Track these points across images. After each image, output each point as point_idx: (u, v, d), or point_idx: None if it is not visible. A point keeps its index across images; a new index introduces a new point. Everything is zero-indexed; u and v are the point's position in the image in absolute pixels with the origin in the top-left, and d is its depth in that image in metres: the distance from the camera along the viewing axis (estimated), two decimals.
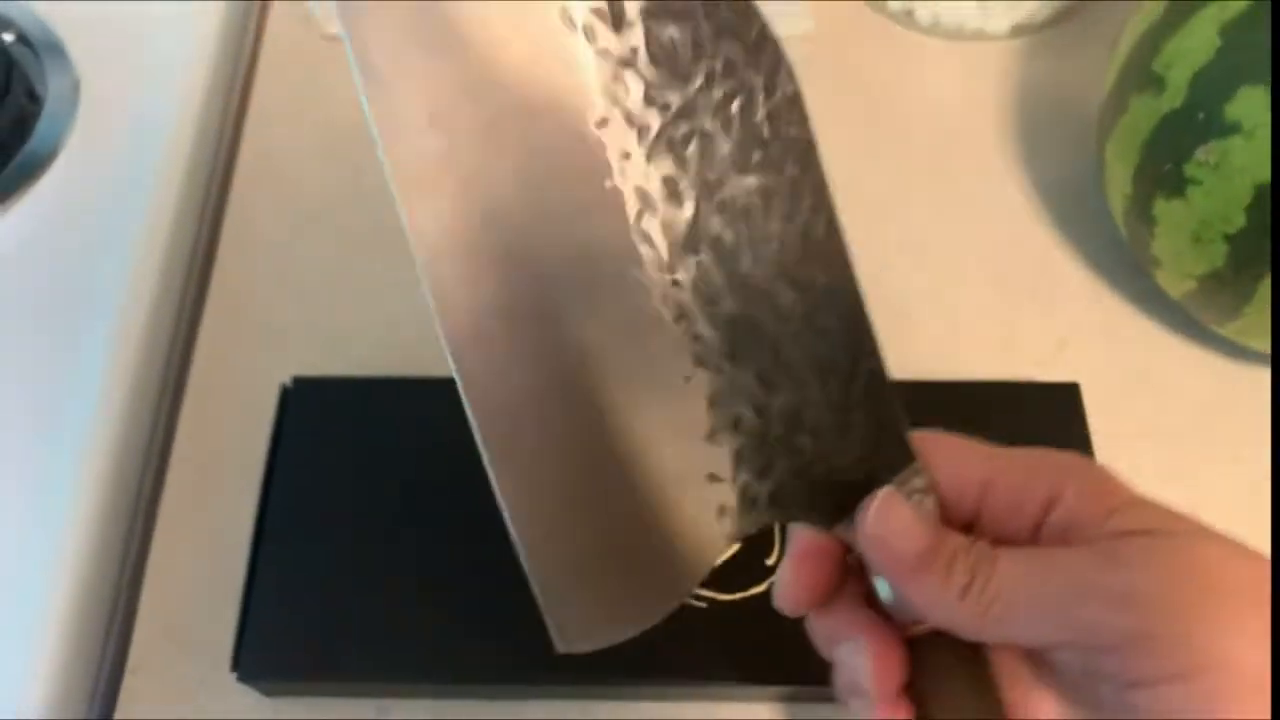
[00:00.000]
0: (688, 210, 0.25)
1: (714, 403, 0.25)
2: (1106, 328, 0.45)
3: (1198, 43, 0.36)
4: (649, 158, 0.24)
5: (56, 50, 0.49)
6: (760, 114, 0.25)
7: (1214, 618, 0.23)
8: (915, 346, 0.44)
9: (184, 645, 0.38)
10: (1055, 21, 0.53)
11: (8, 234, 0.45)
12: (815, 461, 0.26)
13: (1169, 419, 0.43)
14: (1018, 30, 0.53)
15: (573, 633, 0.25)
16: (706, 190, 0.25)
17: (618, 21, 0.24)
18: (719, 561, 0.26)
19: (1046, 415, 0.40)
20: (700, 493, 0.25)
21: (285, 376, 0.40)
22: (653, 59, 0.24)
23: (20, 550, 0.38)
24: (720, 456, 0.25)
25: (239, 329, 0.45)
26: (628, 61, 0.24)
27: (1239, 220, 0.36)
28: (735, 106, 0.24)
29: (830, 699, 0.37)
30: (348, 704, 0.37)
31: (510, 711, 0.37)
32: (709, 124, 0.24)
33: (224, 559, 0.39)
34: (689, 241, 0.25)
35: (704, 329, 0.25)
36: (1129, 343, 0.44)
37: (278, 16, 0.55)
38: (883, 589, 0.26)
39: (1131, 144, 0.39)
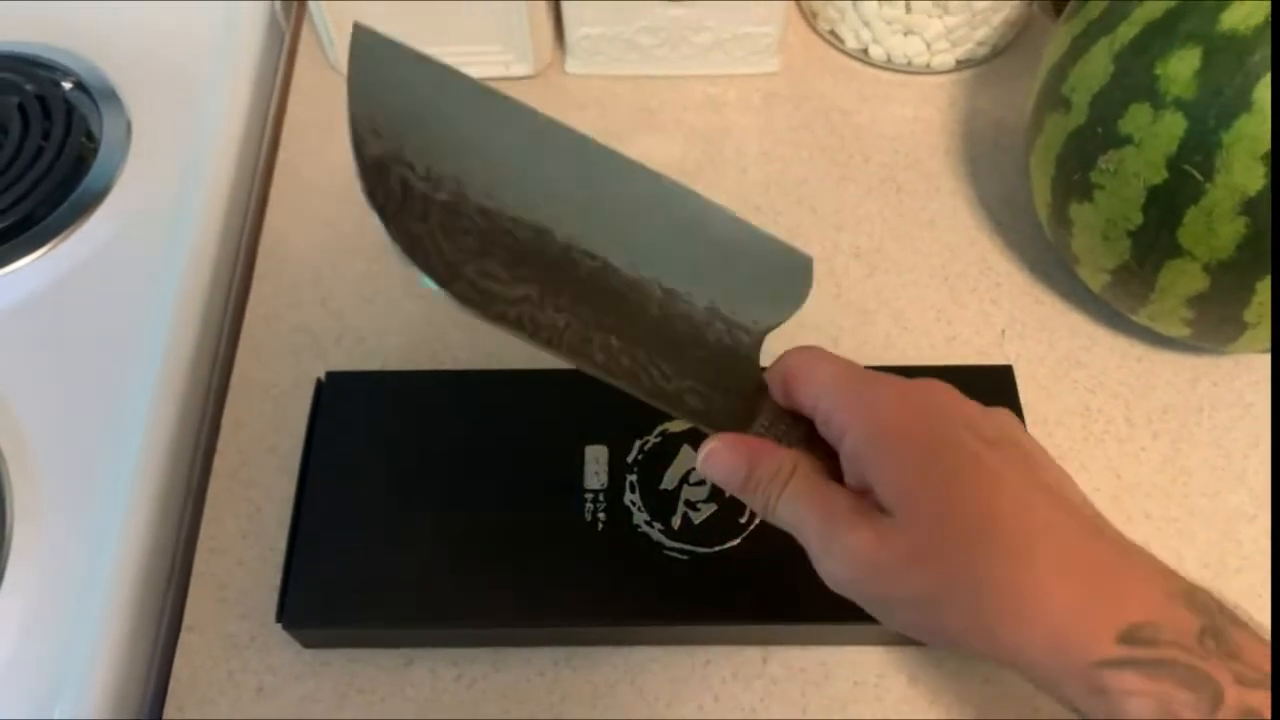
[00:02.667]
0: None
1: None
2: (1039, 320, 0.51)
3: (1096, 68, 0.42)
4: None
5: (111, 96, 0.55)
6: None
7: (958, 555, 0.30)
8: (872, 339, 0.51)
9: (233, 606, 0.43)
10: (993, 56, 0.60)
11: (68, 259, 0.50)
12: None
13: (1094, 398, 0.48)
14: (961, 65, 0.59)
15: None
16: None
17: None
18: None
19: (983, 394, 0.45)
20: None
21: (319, 374, 0.46)
22: None
23: (92, 528, 0.43)
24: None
25: (277, 335, 0.51)
26: None
27: (1137, 218, 0.42)
28: None
29: (800, 640, 0.42)
30: (378, 655, 0.42)
31: (519, 659, 0.42)
32: None
33: (265, 533, 0.45)
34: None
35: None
36: (1059, 332, 0.50)
37: (303, 61, 0.61)
38: None
39: (1048, 157, 0.45)
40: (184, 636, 0.43)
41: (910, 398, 0.32)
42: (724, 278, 0.36)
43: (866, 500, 0.31)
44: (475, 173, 0.32)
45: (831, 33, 0.60)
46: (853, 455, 0.32)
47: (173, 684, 0.42)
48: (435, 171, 0.32)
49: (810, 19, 0.61)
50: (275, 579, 0.41)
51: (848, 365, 0.33)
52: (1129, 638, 0.27)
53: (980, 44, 0.58)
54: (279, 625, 0.40)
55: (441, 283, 0.31)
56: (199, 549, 0.45)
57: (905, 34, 0.57)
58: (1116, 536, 0.31)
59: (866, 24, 0.58)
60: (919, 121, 0.58)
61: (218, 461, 0.47)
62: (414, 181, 0.31)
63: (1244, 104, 0.38)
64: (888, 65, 0.59)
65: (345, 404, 0.45)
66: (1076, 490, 0.33)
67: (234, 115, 0.56)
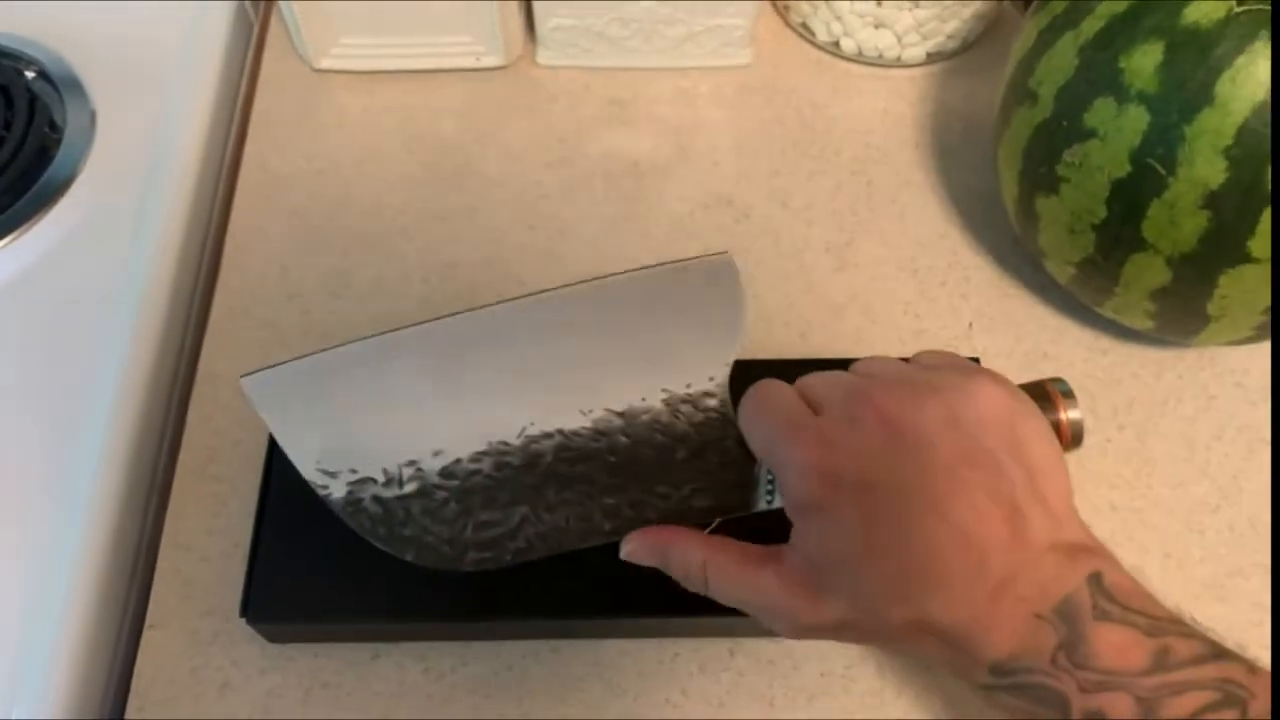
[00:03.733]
0: None
1: None
2: (1008, 313, 0.51)
3: (1061, 62, 0.42)
4: None
5: (75, 86, 0.55)
6: None
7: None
8: (843, 331, 0.51)
9: (197, 603, 0.43)
10: (964, 50, 0.60)
11: (32, 250, 0.50)
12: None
13: None
14: (932, 58, 0.59)
15: None
16: None
17: None
18: None
19: None
20: None
21: None
22: None
23: (52, 523, 0.42)
24: None
25: (243, 329, 0.50)
26: None
27: (1101, 212, 0.42)
28: None
29: (768, 632, 0.42)
30: (344, 649, 0.42)
31: (487, 653, 0.42)
32: None
33: (231, 528, 0.45)
34: None
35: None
36: (1026, 325, 0.50)
37: (272, 53, 0.60)
38: None
39: (1015, 151, 0.45)
40: (147, 634, 0.42)
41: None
42: (659, 352, 0.34)
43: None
44: (414, 438, 0.34)
45: (803, 26, 0.60)
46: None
47: (135, 682, 0.41)
48: (390, 470, 0.34)
49: (782, 12, 0.61)
50: (240, 575, 0.41)
51: (780, 413, 0.33)
52: (995, 670, 0.30)
53: (950, 37, 0.58)
54: (244, 621, 0.40)
55: (454, 565, 0.34)
56: (163, 545, 0.45)
57: (876, 27, 0.57)
58: (1008, 544, 0.30)
59: (838, 17, 0.58)
60: (890, 115, 0.58)
61: (183, 456, 0.47)
62: (383, 493, 0.34)
63: (1206, 98, 0.38)
64: (859, 58, 0.59)
65: None
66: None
67: (200, 106, 0.55)
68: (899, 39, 0.58)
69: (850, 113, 0.58)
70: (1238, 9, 0.37)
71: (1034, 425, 0.32)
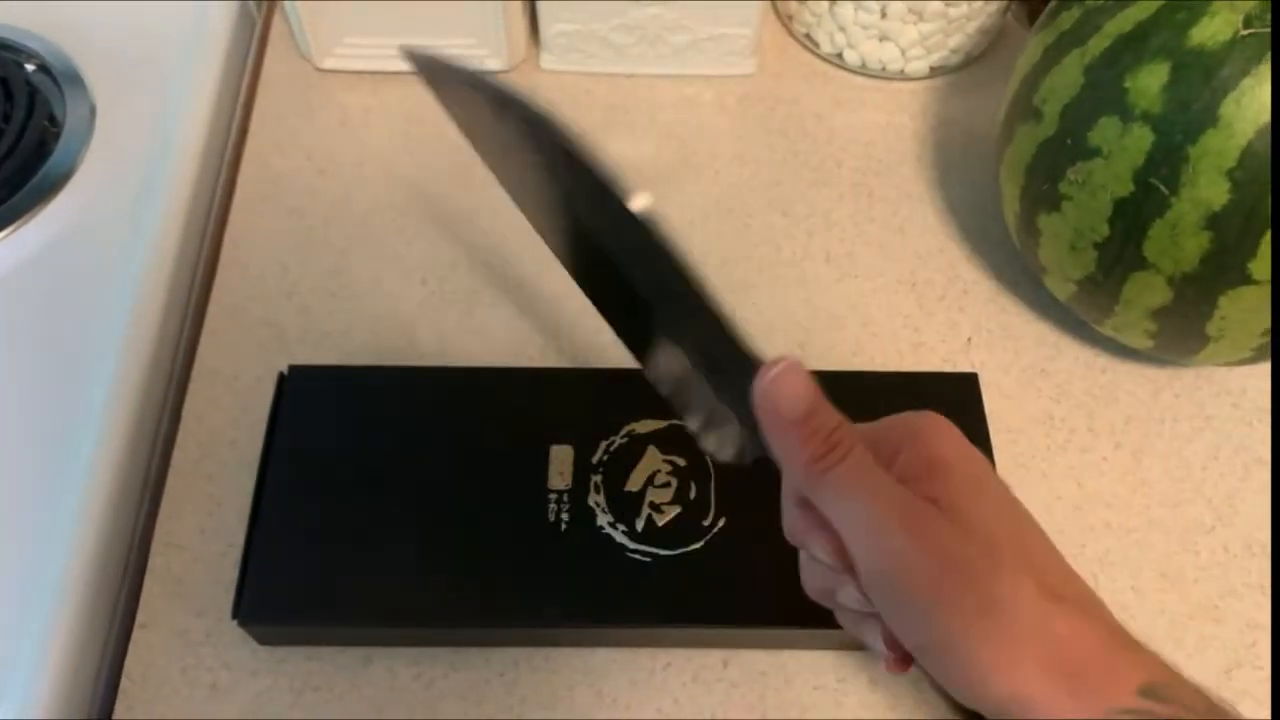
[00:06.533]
0: None
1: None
2: (1006, 328, 0.51)
3: (1067, 80, 0.42)
4: None
5: (75, 79, 0.54)
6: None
7: (994, 575, 0.29)
8: (841, 343, 0.51)
9: (188, 603, 0.43)
10: (967, 64, 0.60)
11: (29, 244, 0.49)
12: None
13: (1058, 407, 0.49)
14: (935, 71, 0.59)
15: None
16: None
17: None
18: None
19: (948, 401, 0.45)
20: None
21: (282, 368, 0.45)
22: None
23: (44, 519, 0.42)
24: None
25: (241, 327, 0.50)
26: None
27: (1104, 230, 0.42)
28: None
29: (761, 644, 0.42)
30: (336, 653, 0.42)
31: (479, 659, 0.42)
32: None
33: (224, 529, 0.44)
34: None
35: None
36: (1024, 340, 0.50)
37: (274, 52, 0.60)
38: None
39: (1017, 167, 0.45)
40: (137, 633, 0.42)
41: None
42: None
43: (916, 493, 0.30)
44: None
45: (807, 36, 0.60)
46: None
47: (124, 682, 0.41)
48: None
49: (786, 21, 0.61)
50: (233, 575, 0.41)
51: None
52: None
53: (954, 51, 0.58)
54: (235, 622, 0.40)
55: None
56: (155, 544, 0.44)
57: (880, 39, 0.57)
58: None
59: (842, 29, 0.58)
60: (892, 127, 0.58)
61: (177, 454, 0.47)
62: None
63: (1210, 119, 0.38)
64: (862, 70, 0.59)
65: (308, 398, 0.44)
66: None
67: (201, 103, 0.55)
68: (903, 52, 0.58)
69: (852, 124, 0.58)
70: (1244, 31, 0.37)
71: None
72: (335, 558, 0.41)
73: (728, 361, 0.31)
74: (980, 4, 0.56)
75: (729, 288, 0.52)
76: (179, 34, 0.57)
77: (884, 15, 0.56)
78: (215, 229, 0.54)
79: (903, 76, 0.59)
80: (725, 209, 0.55)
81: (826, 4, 0.57)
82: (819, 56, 0.60)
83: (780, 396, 0.30)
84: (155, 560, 0.44)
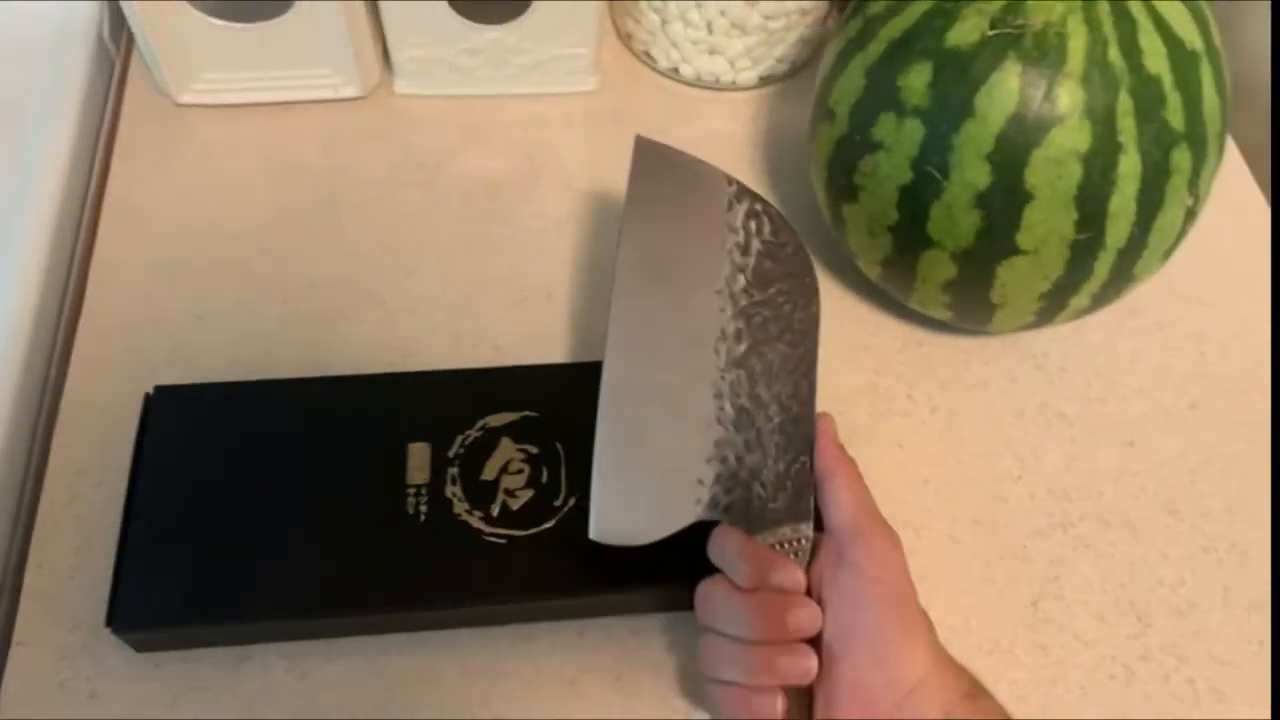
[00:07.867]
0: (744, 346, 0.44)
1: (717, 445, 0.42)
2: (832, 310, 0.55)
3: (852, 83, 0.47)
4: (734, 316, 0.44)
5: None
6: (798, 316, 0.45)
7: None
8: None
9: (65, 619, 0.44)
10: (794, 72, 0.65)
11: None
12: (755, 499, 0.41)
13: (880, 379, 0.54)
14: (764, 81, 0.64)
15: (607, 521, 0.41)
16: (757, 343, 0.44)
17: (745, 251, 0.45)
18: (682, 525, 0.41)
19: None
20: (691, 483, 0.41)
21: (148, 389, 0.47)
22: (756, 272, 0.45)
23: None
24: (708, 472, 0.41)
25: (108, 357, 0.52)
26: (742, 269, 0.45)
27: (893, 215, 0.47)
28: (787, 308, 0.45)
29: (614, 610, 0.45)
30: (212, 654, 0.44)
31: (351, 649, 0.44)
32: (769, 312, 0.44)
33: (97, 547, 0.46)
34: (740, 361, 0.43)
35: (727, 406, 0.42)
36: (848, 320, 0.55)
37: (134, 89, 0.62)
38: None
39: (821, 164, 0.50)
40: (14, 650, 0.44)
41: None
42: None
43: None
44: None
45: (645, 53, 0.64)
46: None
47: (3, 698, 0.43)
48: None
49: (626, 40, 0.65)
50: (107, 590, 0.42)
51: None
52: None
53: (780, 61, 0.63)
54: (110, 631, 0.42)
55: None
56: (29, 564, 0.46)
57: (710, 53, 0.62)
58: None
59: (675, 45, 0.62)
60: (726, 135, 0.62)
61: (49, 481, 0.48)
62: None
63: (968, 110, 0.43)
64: (697, 83, 0.64)
65: (174, 414, 0.46)
66: None
67: (61, 143, 0.57)
68: (731, 64, 0.62)
69: (692, 134, 0.62)
70: (990, 33, 0.43)
71: None
72: (206, 562, 0.43)
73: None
74: (797, 16, 0.61)
75: (587, 293, 0.55)
76: (37, 74, 0.58)
77: (710, 31, 0.61)
78: (80, 263, 0.56)
79: (734, 87, 0.64)
80: (576, 218, 0.58)
81: (659, 22, 0.61)
82: (657, 71, 0.64)
83: (722, 561, 0.41)
84: (30, 580, 0.45)
